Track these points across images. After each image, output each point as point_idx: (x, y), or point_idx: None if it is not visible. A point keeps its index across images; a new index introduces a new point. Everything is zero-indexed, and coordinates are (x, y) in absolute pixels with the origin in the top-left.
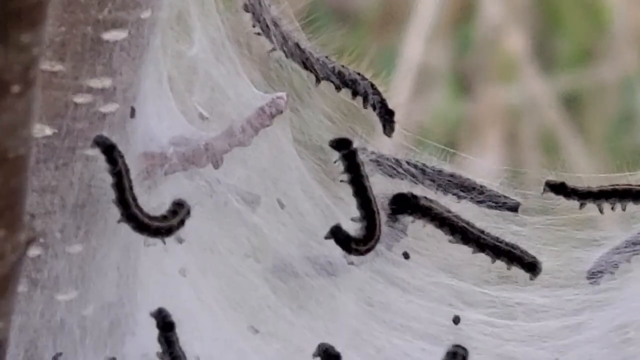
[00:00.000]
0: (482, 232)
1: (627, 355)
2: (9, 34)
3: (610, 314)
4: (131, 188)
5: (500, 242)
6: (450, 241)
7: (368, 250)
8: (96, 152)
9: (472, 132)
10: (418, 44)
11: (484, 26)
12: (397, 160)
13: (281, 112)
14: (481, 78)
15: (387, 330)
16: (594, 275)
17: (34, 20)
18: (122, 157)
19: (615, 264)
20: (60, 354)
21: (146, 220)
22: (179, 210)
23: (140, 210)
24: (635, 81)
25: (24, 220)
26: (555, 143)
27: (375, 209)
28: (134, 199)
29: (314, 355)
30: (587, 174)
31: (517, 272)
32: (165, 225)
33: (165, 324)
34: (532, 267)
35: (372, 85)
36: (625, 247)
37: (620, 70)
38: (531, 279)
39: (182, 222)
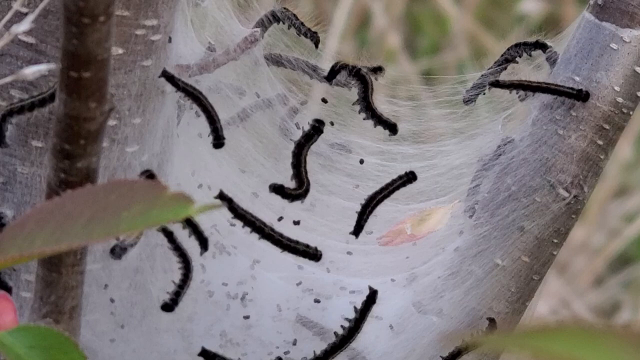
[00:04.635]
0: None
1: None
2: None
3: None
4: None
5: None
6: None
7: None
8: (149, 63)
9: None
10: (334, 40)
11: (374, 30)
12: None
13: (257, 40)
14: (374, 62)
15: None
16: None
17: None
18: (180, 80)
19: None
20: None
21: None
22: None
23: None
24: (466, 63)
25: (107, 97)
26: (418, 101)
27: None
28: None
29: (270, 191)
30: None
31: (402, 133)
32: None
33: (228, 199)
34: (392, 127)
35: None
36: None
37: (457, 56)
38: (390, 135)
39: None
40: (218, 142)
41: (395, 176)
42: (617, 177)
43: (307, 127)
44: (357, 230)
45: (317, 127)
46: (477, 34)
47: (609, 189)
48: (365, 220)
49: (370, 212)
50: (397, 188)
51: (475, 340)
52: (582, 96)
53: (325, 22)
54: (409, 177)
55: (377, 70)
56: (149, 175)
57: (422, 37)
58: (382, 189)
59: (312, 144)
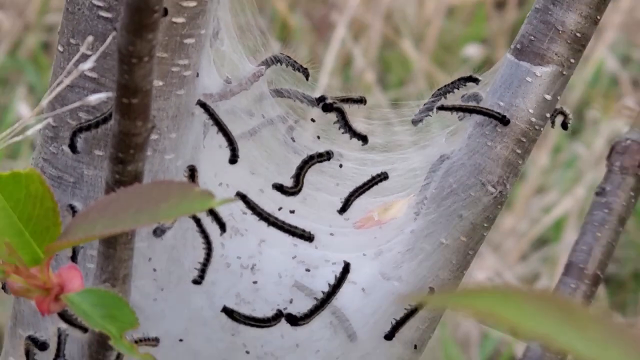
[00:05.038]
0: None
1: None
2: (142, 35)
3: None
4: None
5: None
6: None
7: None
8: (182, 92)
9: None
10: (325, 76)
11: (355, 69)
12: None
13: (262, 75)
14: (358, 93)
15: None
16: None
17: (153, 29)
18: (209, 106)
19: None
20: None
21: None
22: None
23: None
24: (424, 94)
25: (150, 117)
26: (386, 120)
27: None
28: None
29: (272, 188)
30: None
31: (372, 144)
32: None
33: (243, 195)
34: (364, 139)
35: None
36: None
37: (417, 88)
38: (362, 145)
39: None
40: (234, 159)
41: (366, 177)
42: (537, 179)
43: (299, 136)
44: (342, 211)
45: (329, 154)
46: (432, 72)
47: (531, 188)
48: (349, 206)
49: (354, 200)
50: (375, 184)
51: (424, 299)
52: (504, 121)
53: (318, 63)
54: (383, 177)
55: (360, 100)
56: (191, 168)
57: (391, 74)
58: (362, 185)
59: (318, 162)
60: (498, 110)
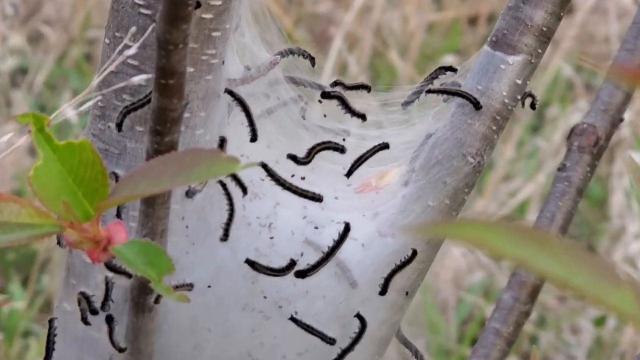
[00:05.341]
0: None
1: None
2: (178, 25)
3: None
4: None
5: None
6: None
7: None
8: (210, 77)
9: None
10: (325, 81)
11: (350, 75)
12: None
13: (277, 63)
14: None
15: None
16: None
17: (187, 20)
18: (236, 94)
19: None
20: None
21: None
22: None
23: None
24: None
25: (184, 96)
26: (379, 122)
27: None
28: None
29: (287, 158)
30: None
31: (369, 122)
32: None
33: (264, 165)
34: (362, 117)
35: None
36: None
37: (406, 91)
38: (362, 120)
39: None
40: (254, 137)
41: (366, 149)
42: (504, 168)
43: (308, 115)
44: (348, 174)
45: (343, 147)
46: (416, 78)
47: (499, 176)
48: (355, 169)
49: (359, 165)
50: (376, 152)
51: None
52: (478, 105)
53: (318, 70)
54: (383, 145)
55: (364, 87)
56: (222, 138)
57: (380, 80)
58: (366, 152)
59: (330, 149)
60: (477, 93)
